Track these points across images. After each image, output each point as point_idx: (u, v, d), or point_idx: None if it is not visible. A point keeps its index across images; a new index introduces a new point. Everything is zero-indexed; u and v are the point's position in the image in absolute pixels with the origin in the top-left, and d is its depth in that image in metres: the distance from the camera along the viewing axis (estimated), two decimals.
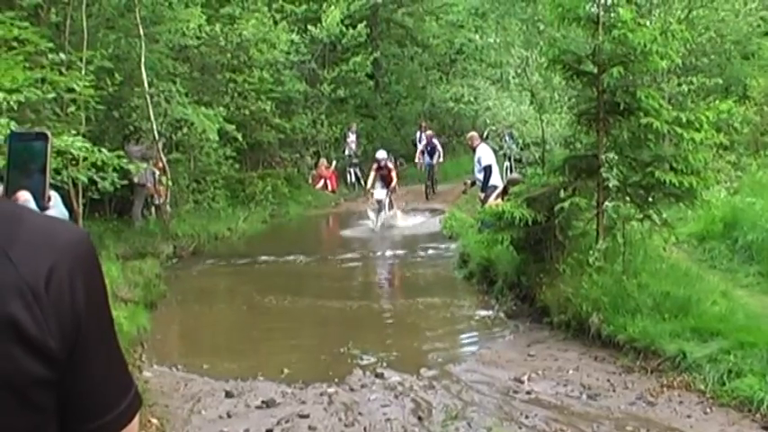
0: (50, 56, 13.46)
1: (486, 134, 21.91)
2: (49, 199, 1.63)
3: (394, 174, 23.69)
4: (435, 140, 29.62)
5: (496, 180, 16.64)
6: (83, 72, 14.38)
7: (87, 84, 13.93)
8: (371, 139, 34.92)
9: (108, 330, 1.50)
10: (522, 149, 21.58)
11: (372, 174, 23.45)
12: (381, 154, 24.04)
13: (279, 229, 23.00)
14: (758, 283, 11.79)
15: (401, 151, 34.00)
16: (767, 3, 23.11)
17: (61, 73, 13.70)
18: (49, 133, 1.64)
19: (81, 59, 14.62)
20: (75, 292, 1.39)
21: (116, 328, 1.55)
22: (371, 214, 22.71)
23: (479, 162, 17.50)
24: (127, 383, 1.53)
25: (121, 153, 13.24)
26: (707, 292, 10.41)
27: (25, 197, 1.58)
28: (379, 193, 22.78)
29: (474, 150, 18.12)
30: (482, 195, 16.33)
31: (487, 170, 16.78)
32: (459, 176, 27.50)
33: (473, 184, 18.46)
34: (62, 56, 14.02)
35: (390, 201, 23.25)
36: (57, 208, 1.64)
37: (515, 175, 16.42)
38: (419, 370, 9.65)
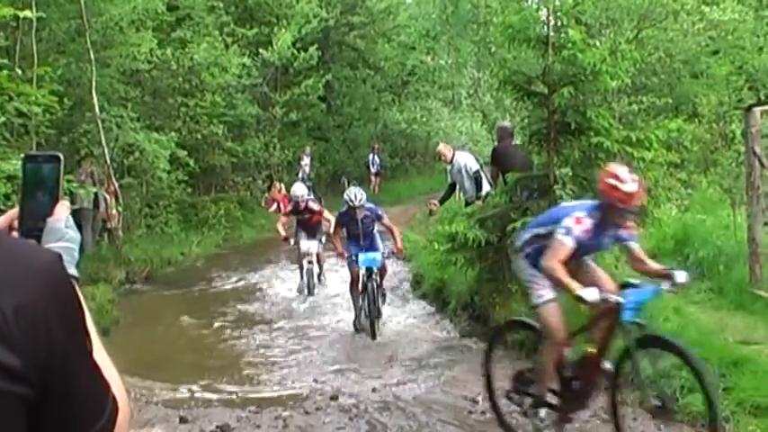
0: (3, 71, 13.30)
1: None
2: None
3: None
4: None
5: (487, 186, 15.33)
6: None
7: (45, 93, 13.70)
8: (324, 162, 35.05)
9: (85, 344, 1.51)
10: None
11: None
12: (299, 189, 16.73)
13: (233, 253, 22.80)
14: (709, 299, 11.87)
15: (354, 174, 34.00)
16: (715, 23, 23.44)
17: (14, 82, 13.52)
18: (60, 155, 1.68)
19: (31, 81, 14.47)
20: (48, 313, 1.40)
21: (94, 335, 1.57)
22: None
23: (467, 170, 15.35)
24: (106, 388, 1.55)
25: (71, 177, 13.14)
26: (659, 308, 10.45)
27: (56, 217, 1.64)
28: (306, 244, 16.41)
29: (450, 163, 15.63)
30: (479, 203, 15.02)
31: (477, 174, 15.52)
32: (413, 198, 27.45)
33: (443, 200, 15.82)
34: (18, 71, 13.84)
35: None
36: (71, 229, 1.68)
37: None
38: (373, 391, 9.63)
